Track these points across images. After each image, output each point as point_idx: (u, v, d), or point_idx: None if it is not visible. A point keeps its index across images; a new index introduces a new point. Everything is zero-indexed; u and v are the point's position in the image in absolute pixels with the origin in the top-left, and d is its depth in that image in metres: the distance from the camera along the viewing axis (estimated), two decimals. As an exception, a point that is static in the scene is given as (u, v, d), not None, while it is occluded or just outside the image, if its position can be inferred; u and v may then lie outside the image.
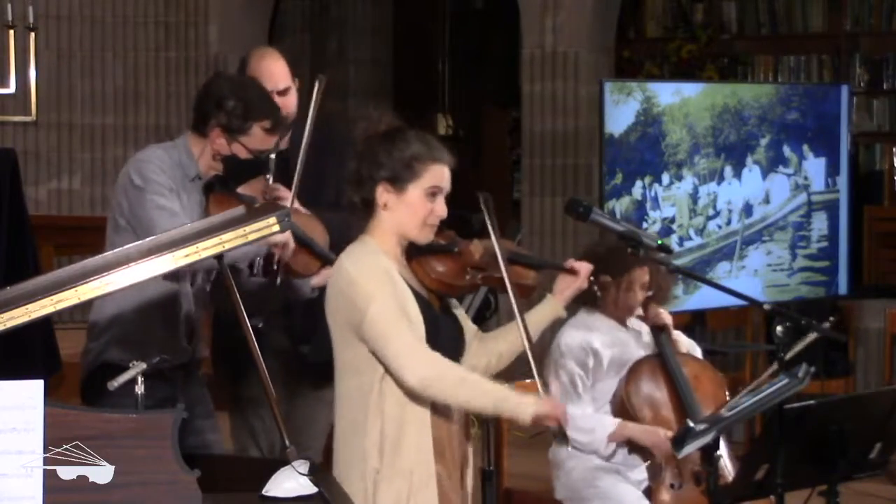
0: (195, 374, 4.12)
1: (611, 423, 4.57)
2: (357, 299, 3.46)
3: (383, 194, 3.52)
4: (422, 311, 3.53)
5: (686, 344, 4.81)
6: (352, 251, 3.56)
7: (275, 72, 4.40)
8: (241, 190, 4.08)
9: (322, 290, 4.07)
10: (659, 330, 4.67)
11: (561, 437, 3.64)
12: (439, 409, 3.57)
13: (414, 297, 3.54)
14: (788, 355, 3.82)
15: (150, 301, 3.89)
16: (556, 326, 4.17)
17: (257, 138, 3.96)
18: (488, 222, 3.66)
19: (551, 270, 3.88)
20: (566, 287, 3.82)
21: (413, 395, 3.50)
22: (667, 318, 4.70)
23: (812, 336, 3.91)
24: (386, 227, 3.55)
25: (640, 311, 4.74)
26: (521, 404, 3.49)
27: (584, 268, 3.82)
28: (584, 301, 4.50)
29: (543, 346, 3.93)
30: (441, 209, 3.55)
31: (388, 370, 3.48)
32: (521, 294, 3.74)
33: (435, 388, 3.46)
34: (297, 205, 4.21)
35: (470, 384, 3.49)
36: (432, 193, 3.53)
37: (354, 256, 3.53)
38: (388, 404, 3.51)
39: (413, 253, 3.61)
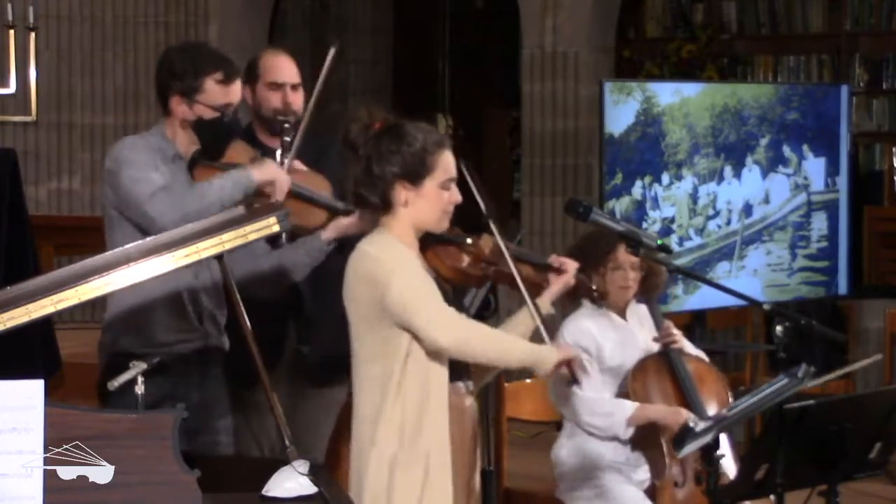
0: (214, 372, 4.09)
1: (629, 405, 4.57)
2: (379, 274, 3.49)
3: (402, 192, 3.55)
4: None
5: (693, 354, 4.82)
6: (373, 240, 3.58)
7: (287, 67, 4.52)
8: (227, 158, 4.05)
9: (325, 282, 4.07)
10: (653, 302, 4.69)
11: (572, 380, 3.73)
12: (455, 408, 3.59)
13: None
14: (834, 376, 3.81)
15: (153, 287, 3.87)
16: (553, 323, 4.18)
17: (213, 92, 3.95)
18: (473, 188, 3.70)
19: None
20: (553, 284, 3.85)
21: (434, 378, 3.53)
22: (677, 337, 4.70)
23: (867, 361, 3.90)
24: (404, 222, 3.58)
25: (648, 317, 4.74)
26: (543, 353, 3.61)
27: (571, 265, 3.86)
28: (586, 298, 4.53)
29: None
30: (456, 195, 3.61)
31: (417, 336, 3.50)
32: (533, 291, 3.78)
33: (468, 347, 3.54)
34: (297, 164, 4.21)
35: (498, 341, 3.60)
36: (447, 184, 3.56)
37: (376, 244, 3.56)
38: (410, 388, 3.52)
39: (426, 243, 3.64)
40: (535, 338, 3.78)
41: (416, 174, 3.54)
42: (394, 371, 3.52)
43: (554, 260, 3.89)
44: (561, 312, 4.00)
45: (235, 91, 4.01)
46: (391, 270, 3.48)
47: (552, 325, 3.91)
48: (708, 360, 4.86)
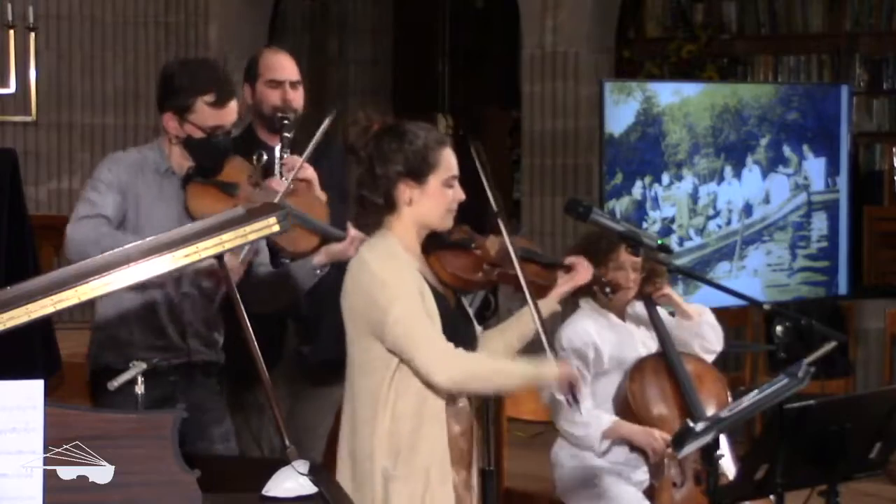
0: (203, 380, 4.06)
1: (607, 420, 4.57)
2: (380, 297, 3.46)
3: (406, 191, 3.53)
4: (438, 308, 3.54)
5: (696, 309, 4.77)
6: (374, 246, 3.55)
7: (286, 65, 4.58)
8: (225, 176, 4.02)
9: (326, 283, 4.06)
10: (650, 302, 4.67)
11: (573, 402, 3.70)
12: (450, 410, 3.57)
13: (432, 293, 3.55)
14: (808, 361, 3.81)
15: (130, 303, 3.87)
16: (555, 322, 4.18)
17: (203, 114, 3.92)
18: (480, 171, 3.69)
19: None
20: (562, 283, 3.83)
21: (431, 393, 3.51)
22: (666, 290, 4.68)
23: (828, 346, 3.90)
24: (407, 222, 3.56)
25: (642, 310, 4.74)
26: (542, 372, 3.61)
27: (584, 266, 3.84)
28: (582, 294, 4.54)
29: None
30: (460, 193, 3.60)
31: (415, 372, 3.48)
32: (535, 292, 3.75)
33: (466, 385, 3.54)
34: (308, 172, 4.19)
35: (497, 373, 3.57)
36: (450, 181, 3.55)
37: (377, 252, 3.53)
38: (402, 402, 3.50)
39: (430, 247, 3.62)
40: (536, 340, 3.76)
41: (419, 171, 3.52)
42: (382, 384, 3.50)
43: (569, 260, 3.87)
44: (562, 312, 3.98)
45: (227, 114, 3.96)
46: (392, 299, 3.44)
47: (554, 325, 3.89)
48: (710, 312, 4.79)
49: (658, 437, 4.47)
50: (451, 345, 3.50)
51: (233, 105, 3.98)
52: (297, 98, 4.54)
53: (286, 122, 4.37)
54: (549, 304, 3.81)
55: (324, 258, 4.00)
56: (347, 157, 3.71)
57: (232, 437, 4.14)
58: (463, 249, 3.68)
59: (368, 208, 3.62)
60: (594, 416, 4.58)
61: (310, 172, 4.21)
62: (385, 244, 3.54)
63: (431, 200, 3.54)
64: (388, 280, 3.47)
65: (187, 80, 3.94)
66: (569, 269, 3.85)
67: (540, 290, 3.78)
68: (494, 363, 3.60)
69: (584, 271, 3.84)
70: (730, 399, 4.62)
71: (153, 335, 3.94)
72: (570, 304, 4.57)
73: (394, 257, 3.51)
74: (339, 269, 3.88)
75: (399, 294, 3.46)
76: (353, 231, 3.95)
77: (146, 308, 3.92)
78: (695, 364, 4.69)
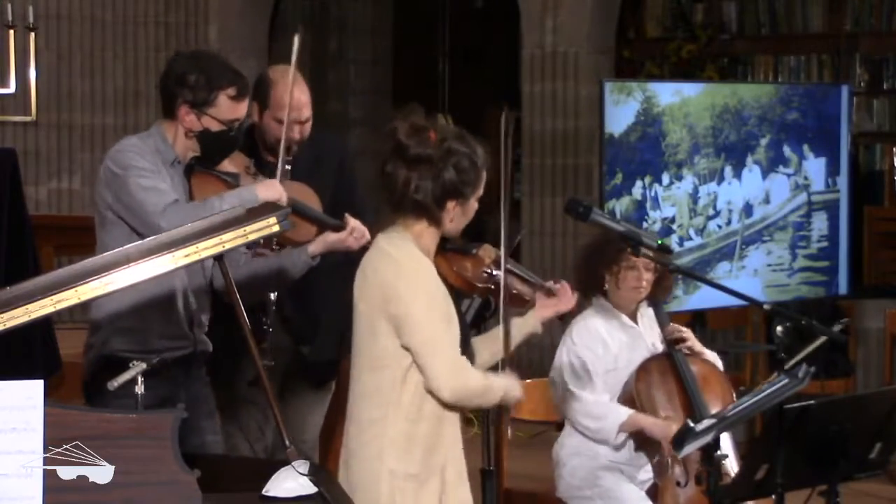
0: (198, 372, 4.09)
1: (624, 412, 4.56)
2: (402, 291, 3.44)
3: (454, 208, 3.51)
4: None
5: (710, 357, 4.80)
6: (395, 241, 3.52)
7: (303, 101, 4.46)
8: (222, 167, 4.04)
9: (324, 284, 4.06)
10: (674, 345, 4.66)
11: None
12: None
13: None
14: (794, 360, 3.82)
15: (147, 291, 3.86)
16: (555, 326, 4.18)
17: (225, 107, 3.94)
18: (503, 142, 3.68)
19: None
20: (547, 306, 3.82)
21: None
22: (686, 334, 4.69)
23: (819, 340, 3.91)
24: (433, 231, 3.54)
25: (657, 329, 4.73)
26: (514, 393, 3.62)
27: (568, 294, 3.83)
28: (593, 292, 4.55)
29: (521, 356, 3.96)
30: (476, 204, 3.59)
31: (423, 375, 3.47)
32: (517, 304, 3.78)
33: (463, 401, 3.53)
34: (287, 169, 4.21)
35: (487, 390, 3.56)
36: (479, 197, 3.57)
37: (399, 247, 3.50)
38: (416, 402, 3.48)
39: (439, 248, 3.61)
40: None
41: (470, 190, 3.52)
42: (396, 381, 3.47)
43: (559, 288, 3.86)
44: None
45: (245, 106, 4.00)
46: (415, 298, 3.43)
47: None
48: (720, 362, 4.83)
49: (675, 430, 4.44)
50: (462, 358, 3.50)
51: (247, 98, 4.01)
52: (305, 131, 4.47)
53: (289, 157, 4.34)
54: (533, 324, 3.80)
55: (319, 247, 4.01)
56: (392, 154, 3.62)
57: (220, 430, 4.16)
58: (466, 254, 3.71)
59: (420, 213, 3.53)
60: (611, 408, 4.58)
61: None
62: (405, 244, 3.50)
63: (465, 215, 3.55)
64: (414, 278, 3.45)
65: (205, 74, 3.94)
66: (550, 292, 3.85)
67: (520, 302, 3.81)
68: (485, 380, 3.58)
69: (567, 300, 3.83)
70: (736, 400, 4.62)
71: (169, 324, 3.95)
72: (583, 300, 4.56)
73: (416, 259, 3.49)
74: (339, 267, 3.88)
75: (420, 292, 3.44)
76: (352, 221, 3.96)
77: (165, 298, 3.93)
78: (700, 365, 4.68)
